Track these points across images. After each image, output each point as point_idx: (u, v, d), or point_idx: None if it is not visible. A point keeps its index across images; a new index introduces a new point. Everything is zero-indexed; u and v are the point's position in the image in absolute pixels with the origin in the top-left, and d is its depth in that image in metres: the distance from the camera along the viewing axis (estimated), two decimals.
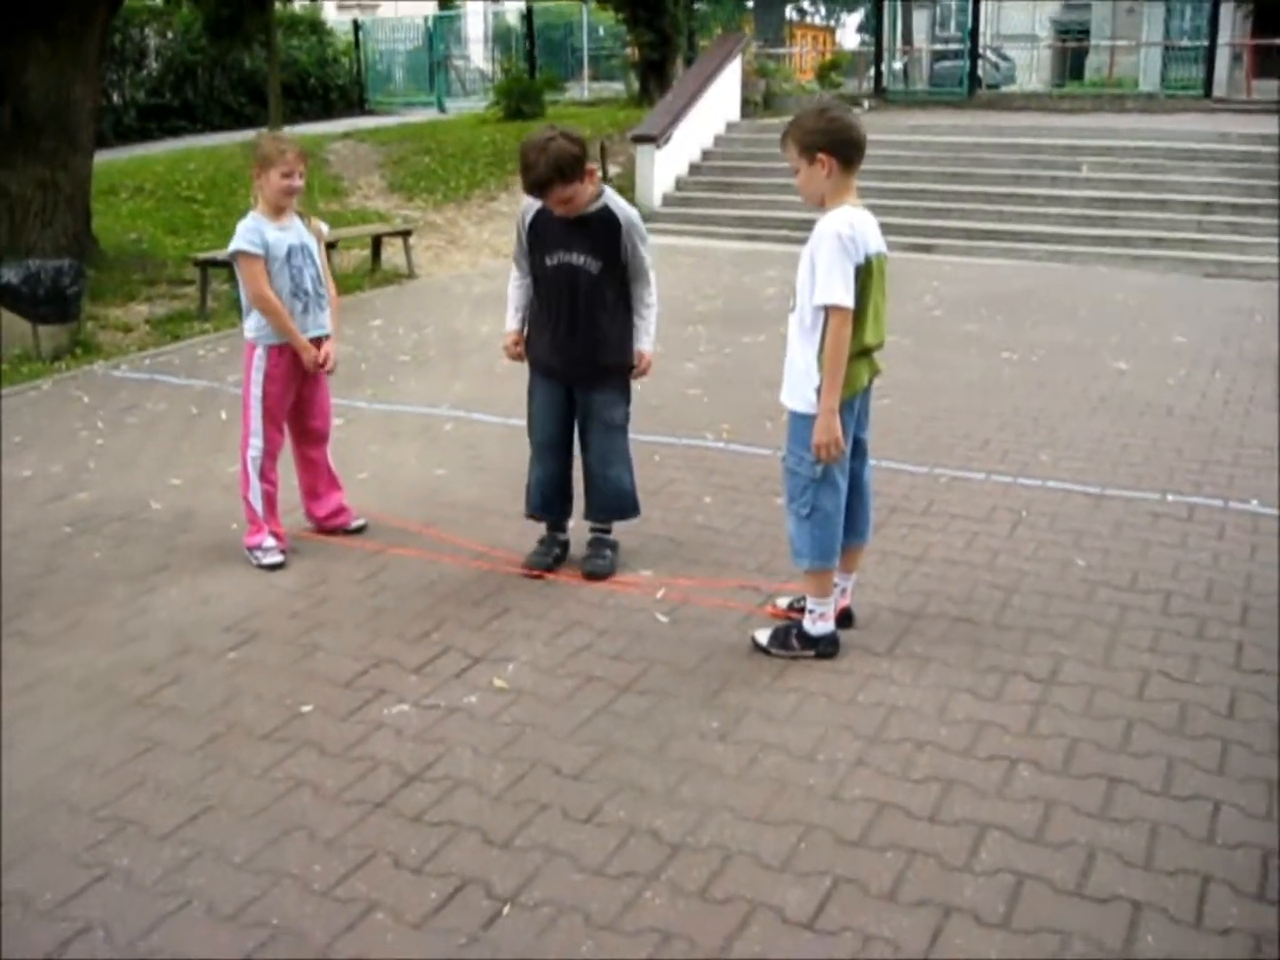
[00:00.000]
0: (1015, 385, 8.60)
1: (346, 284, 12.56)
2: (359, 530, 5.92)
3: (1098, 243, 14.53)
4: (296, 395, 5.67)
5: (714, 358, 9.58)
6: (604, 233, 5.12)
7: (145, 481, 6.76)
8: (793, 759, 3.98)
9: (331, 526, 5.90)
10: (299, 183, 5.44)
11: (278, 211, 5.48)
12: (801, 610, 4.71)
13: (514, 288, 5.43)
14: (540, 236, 5.22)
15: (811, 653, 4.61)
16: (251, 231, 5.40)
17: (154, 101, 24.65)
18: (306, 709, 4.35)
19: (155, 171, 17.73)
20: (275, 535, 5.65)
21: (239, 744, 4.15)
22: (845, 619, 4.82)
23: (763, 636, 4.70)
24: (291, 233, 5.51)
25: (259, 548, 5.61)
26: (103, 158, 18.72)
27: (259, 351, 5.53)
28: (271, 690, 4.49)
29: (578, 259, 5.14)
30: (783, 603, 5.00)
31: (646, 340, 5.35)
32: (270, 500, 5.64)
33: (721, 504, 6.29)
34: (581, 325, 5.21)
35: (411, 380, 8.95)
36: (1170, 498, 6.31)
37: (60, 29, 11.72)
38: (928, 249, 14.84)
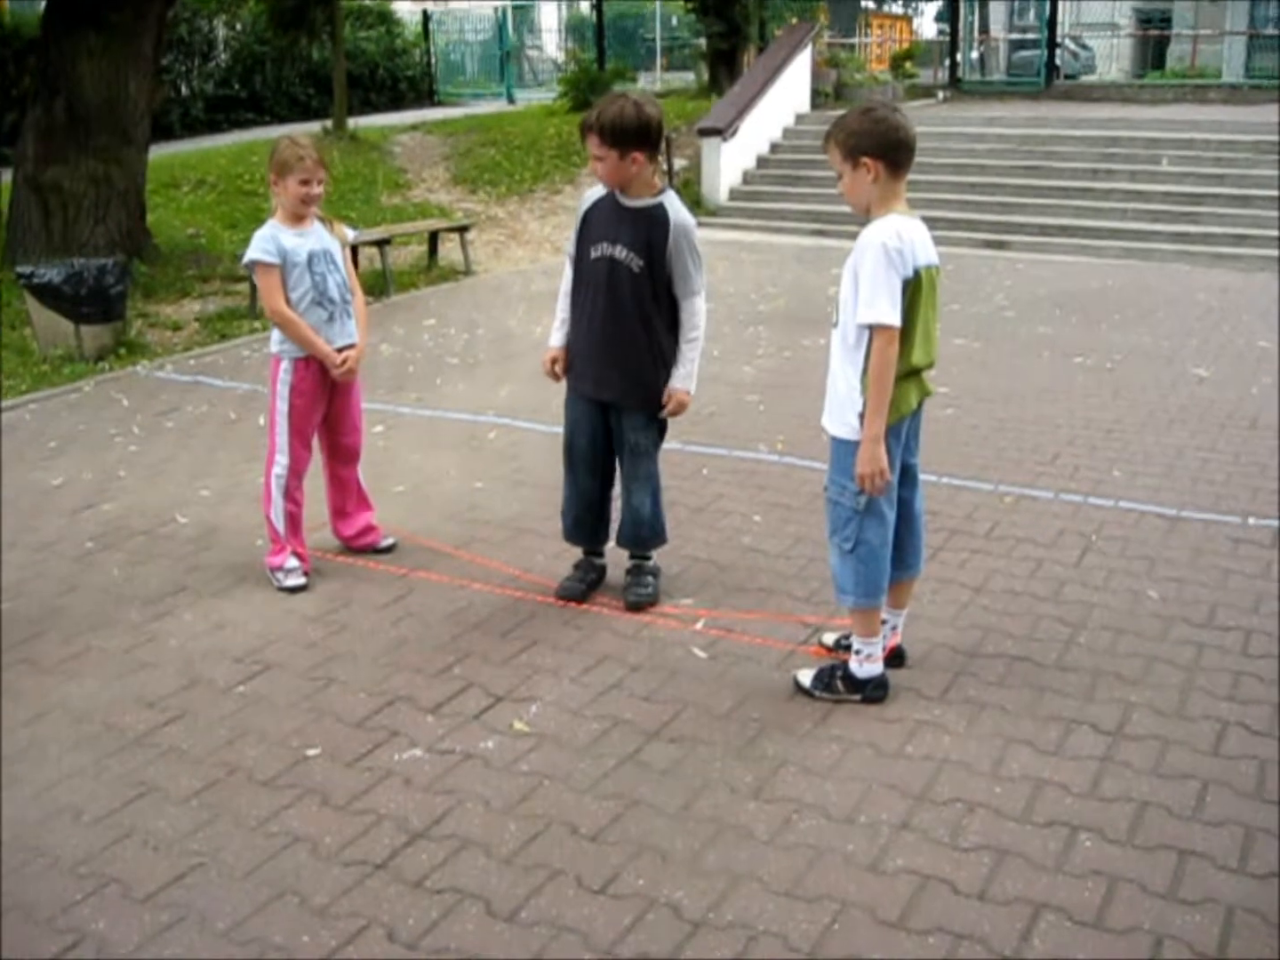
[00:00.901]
0: (1088, 393, 8.17)
1: (401, 281, 12.35)
2: (388, 550, 5.63)
3: (1177, 240, 13.97)
4: (326, 410, 5.38)
5: (773, 360, 9.23)
6: (652, 228, 4.74)
7: (174, 491, 6.53)
8: (831, 821, 3.64)
9: (360, 546, 5.63)
10: (318, 190, 5.14)
11: (297, 219, 5.18)
12: (849, 649, 4.37)
13: (563, 293, 5.07)
14: (590, 225, 4.89)
15: (858, 697, 4.27)
16: (267, 240, 5.12)
17: (222, 93, 24.56)
18: (313, 752, 4.07)
19: (218, 164, 17.59)
20: (298, 556, 5.38)
21: (238, 791, 3.87)
22: (896, 657, 4.47)
23: (805, 678, 4.36)
24: (312, 238, 5.21)
25: (281, 569, 5.34)
26: (168, 150, 18.73)
27: (284, 365, 5.25)
28: (278, 730, 4.21)
29: (620, 252, 4.77)
30: (829, 639, 4.65)
31: (680, 375, 4.87)
32: (294, 520, 5.37)
33: (771, 524, 5.94)
34: (615, 332, 4.82)
35: (459, 384, 8.67)
36: (1253, 521, 5.88)
37: (113, 22, 11.57)
38: (1001, 245, 14.38)
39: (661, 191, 4.82)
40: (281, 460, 5.30)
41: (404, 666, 4.62)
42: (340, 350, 5.29)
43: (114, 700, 4.43)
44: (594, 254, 4.83)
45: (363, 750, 4.07)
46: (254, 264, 5.14)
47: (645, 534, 5.12)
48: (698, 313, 4.85)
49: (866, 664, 4.26)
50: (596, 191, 4.90)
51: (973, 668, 4.51)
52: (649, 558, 5.19)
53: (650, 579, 5.15)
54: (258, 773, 3.96)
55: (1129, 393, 8.17)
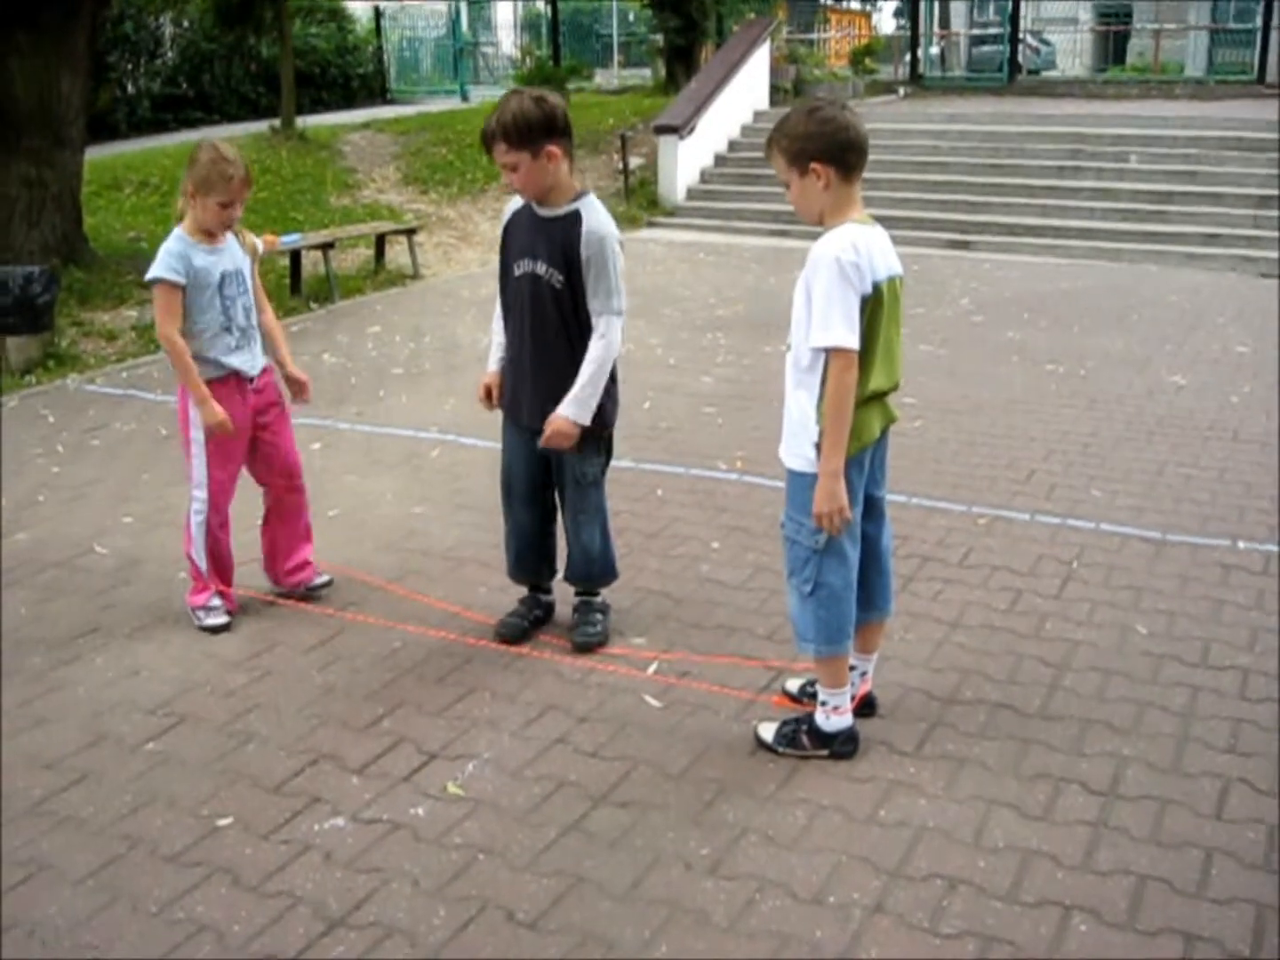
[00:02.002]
0: (1062, 404, 7.83)
1: (346, 286, 11.91)
2: (323, 587, 5.20)
3: (1147, 239, 13.68)
4: (254, 437, 4.94)
5: (732, 369, 8.85)
6: (566, 236, 4.29)
7: (95, 518, 6.11)
8: (797, 902, 3.26)
9: (291, 584, 5.18)
10: (238, 211, 4.68)
11: (209, 235, 4.72)
12: (814, 698, 3.99)
13: (497, 315, 4.66)
14: (510, 239, 4.47)
15: (825, 752, 3.89)
16: (175, 257, 4.63)
17: (169, 92, 23.98)
18: (224, 822, 3.66)
19: (162, 165, 17.06)
20: (222, 594, 4.97)
21: (139, 870, 3.47)
22: (866, 706, 4.10)
23: (767, 732, 3.98)
24: (225, 256, 4.75)
25: (203, 607, 4.93)
26: (112, 150, 18.22)
27: None
28: (189, 795, 3.80)
29: (540, 267, 4.33)
30: (793, 686, 4.27)
31: (567, 401, 4.32)
32: (216, 558, 4.95)
33: (730, 550, 5.56)
34: (544, 355, 4.40)
35: (403, 396, 8.26)
36: (1242, 545, 5.54)
37: (43, 21, 11.07)
38: (965, 245, 14.08)
39: (579, 196, 4.36)
40: (199, 495, 4.86)
41: (330, 719, 4.22)
42: (255, 379, 4.87)
43: (8, 762, 4.00)
44: (517, 271, 4.41)
45: (280, 819, 3.67)
46: (157, 281, 4.67)
47: (596, 571, 4.74)
48: (609, 334, 4.33)
49: (834, 716, 3.88)
50: (517, 201, 4.47)
51: (950, 717, 4.14)
52: (597, 594, 4.81)
53: (599, 617, 4.76)
54: (163, 846, 3.56)
55: (1104, 403, 7.84)
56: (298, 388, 5.08)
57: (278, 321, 5.17)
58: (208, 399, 4.69)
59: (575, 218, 4.30)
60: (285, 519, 5.15)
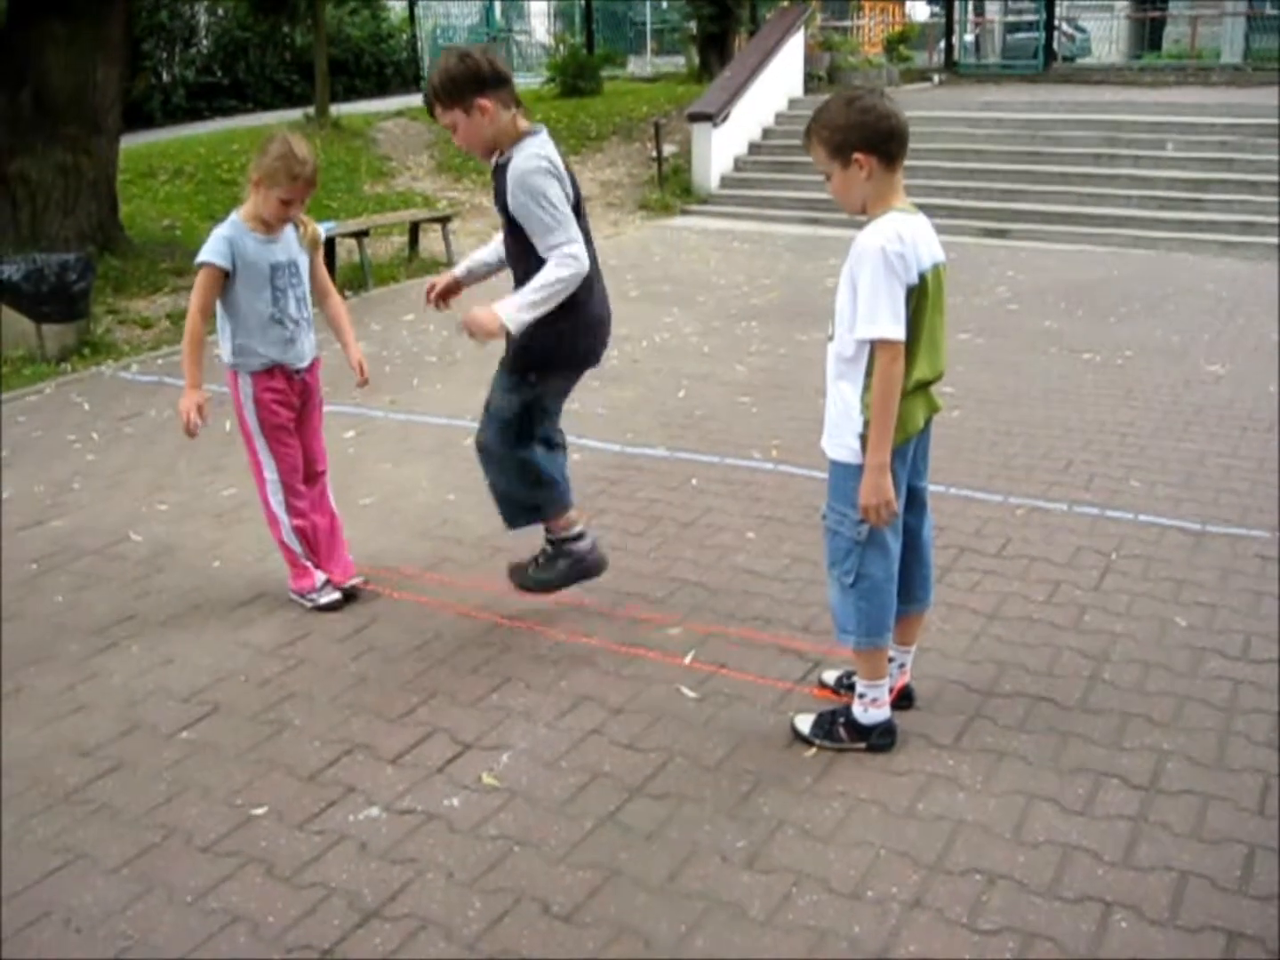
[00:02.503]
0: (1099, 393, 7.75)
1: (381, 274, 11.92)
2: (354, 589, 5.13)
3: (1184, 227, 13.55)
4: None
5: (767, 359, 8.80)
6: (500, 185, 4.24)
7: (130, 505, 6.12)
8: (835, 896, 3.23)
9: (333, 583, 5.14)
10: (298, 211, 4.65)
11: (266, 226, 4.68)
12: (851, 689, 3.96)
13: (490, 246, 4.69)
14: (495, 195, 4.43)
15: (862, 745, 3.86)
16: (224, 242, 4.59)
17: (204, 80, 24.12)
18: (259, 811, 3.66)
19: (197, 153, 17.11)
20: (324, 569, 4.96)
21: (174, 859, 3.46)
22: (904, 698, 4.06)
23: (804, 723, 3.95)
24: (278, 248, 4.70)
25: (313, 589, 4.93)
26: (147, 138, 18.28)
27: (242, 380, 4.78)
28: (223, 784, 3.80)
29: (500, 217, 4.34)
30: (830, 677, 4.23)
31: (503, 301, 4.16)
32: (305, 535, 4.94)
33: (766, 541, 5.53)
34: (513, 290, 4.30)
35: (437, 384, 8.25)
36: None
37: (78, 9, 11.13)
38: (1001, 234, 13.96)
39: (520, 139, 4.24)
40: (270, 477, 4.85)
41: (364, 709, 4.21)
42: (296, 370, 4.86)
43: (45, 749, 4.02)
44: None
45: (314, 809, 3.66)
46: (204, 265, 4.63)
47: (503, 511, 4.70)
48: (558, 268, 4.12)
49: (872, 709, 3.85)
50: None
51: (989, 709, 4.10)
52: (547, 539, 4.73)
53: (540, 561, 4.74)
54: (197, 836, 3.56)
55: (1142, 392, 7.76)
56: (360, 374, 5.03)
57: (344, 307, 5.14)
58: (196, 388, 4.67)
59: (507, 165, 4.22)
60: (313, 508, 5.12)
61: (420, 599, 5.01)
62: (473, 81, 4.15)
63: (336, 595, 4.93)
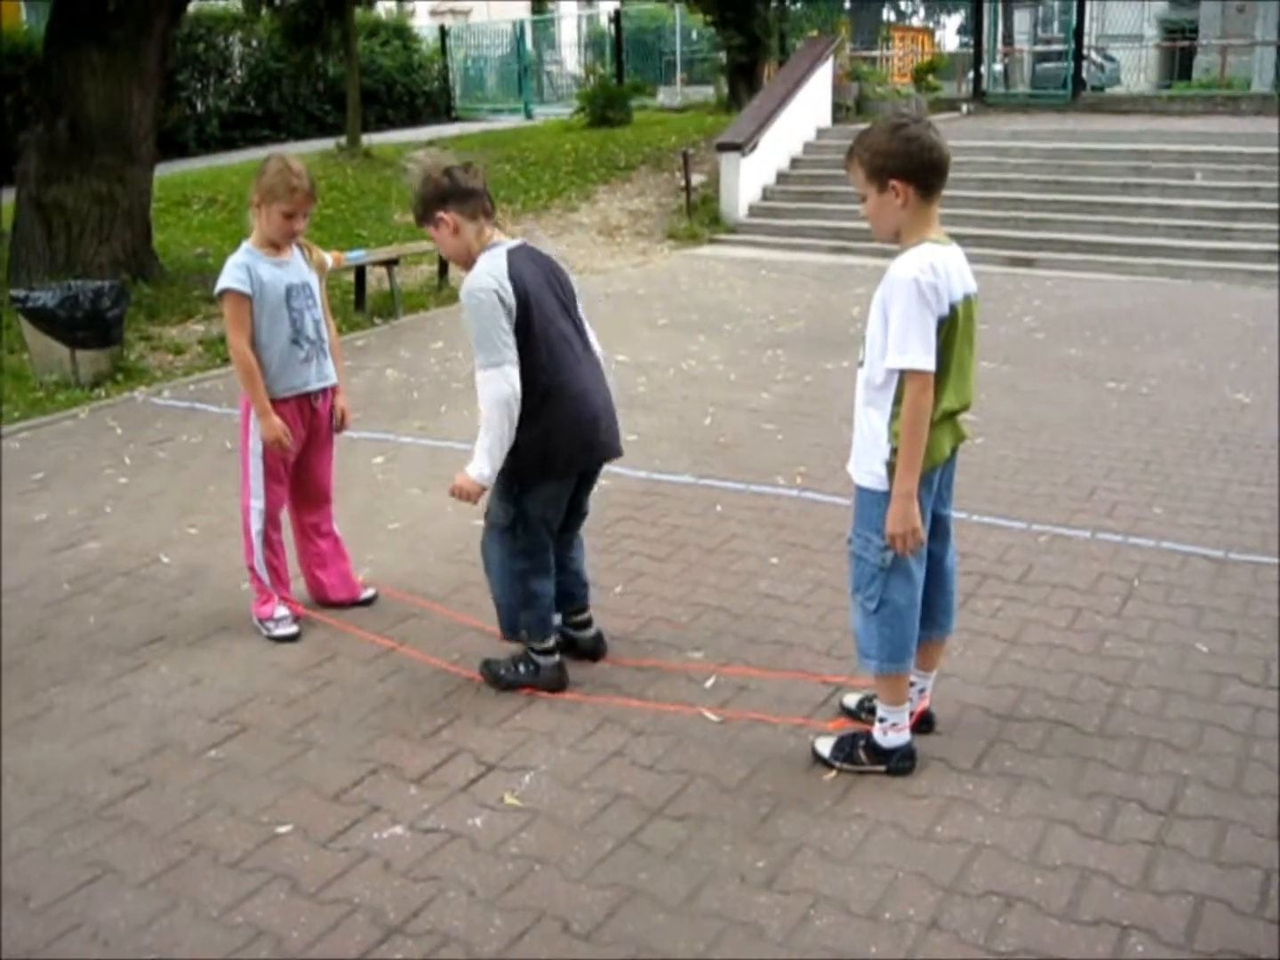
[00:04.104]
0: (1124, 421, 7.77)
1: (410, 302, 12.02)
2: (368, 603, 5.26)
3: (1211, 257, 13.56)
4: (299, 454, 5.02)
5: (792, 386, 8.85)
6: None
7: (161, 528, 6.20)
8: (852, 918, 3.26)
9: (337, 600, 5.24)
10: (302, 224, 4.77)
11: (275, 247, 4.82)
12: (871, 714, 3.99)
13: None
14: None
15: (882, 768, 3.89)
16: (241, 268, 4.73)
17: (237, 110, 24.36)
18: (284, 829, 3.71)
19: (230, 182, 17.34)
20: (286, 603, 5.03)
21: (200, 874, 3.52)
22: (924, 722, 4.09)
23: (825, 746, 3.98)
24: (291, 269, 4.85)
25: (270, 618, 5.00)
26: (181, 167, 18.51)
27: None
28: (250, 802, 3.86)
29: None
30: (851, 701, 4.27)
31: (470, 464, 4.25)
32: (275, 570, 5.03)
33: (789, 566, 5.56)
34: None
35: (464, 410, 8.30)
36: None
37: (115, 39, 11.30)
38: (1028, 263, 14.00)
39: (483, 250, 4.26)
40: (257, 505, 4.95)
41: (389, 729, 4.26)
42: (317, 391, 4.96)
43: (76, 765, 4.09)
44: None
45: (339, 827, 3.71)
46: (225, 293, 4.76)
47: (500, 619, 4.62)
48: (484, 389, 4.17)
49: (892, 732, 3.88)
50: None
51: (1008, 734, 4.13)
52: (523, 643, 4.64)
53: (507, 661, 4.63)
54: (224, 853, 3.61)
55: (1166, 420, 7.78)
56: (340, 415, 5.14)
57: (339, 341, 5.23)
58: (269, 412, 4.78)
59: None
60: (318, 537, 5.23)
61: (445, 623, 5.06)
62: (435, 198, 4.23)
63: (294, 629, 4.98)
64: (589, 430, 4.40)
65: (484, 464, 4.21)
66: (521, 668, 4.57)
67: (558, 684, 4.55)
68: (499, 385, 4.13)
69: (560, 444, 4.33)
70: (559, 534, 4.56)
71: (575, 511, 4.63)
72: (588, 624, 4.78)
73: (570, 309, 4.41)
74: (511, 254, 4.24)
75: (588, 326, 4.51)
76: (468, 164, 4.33)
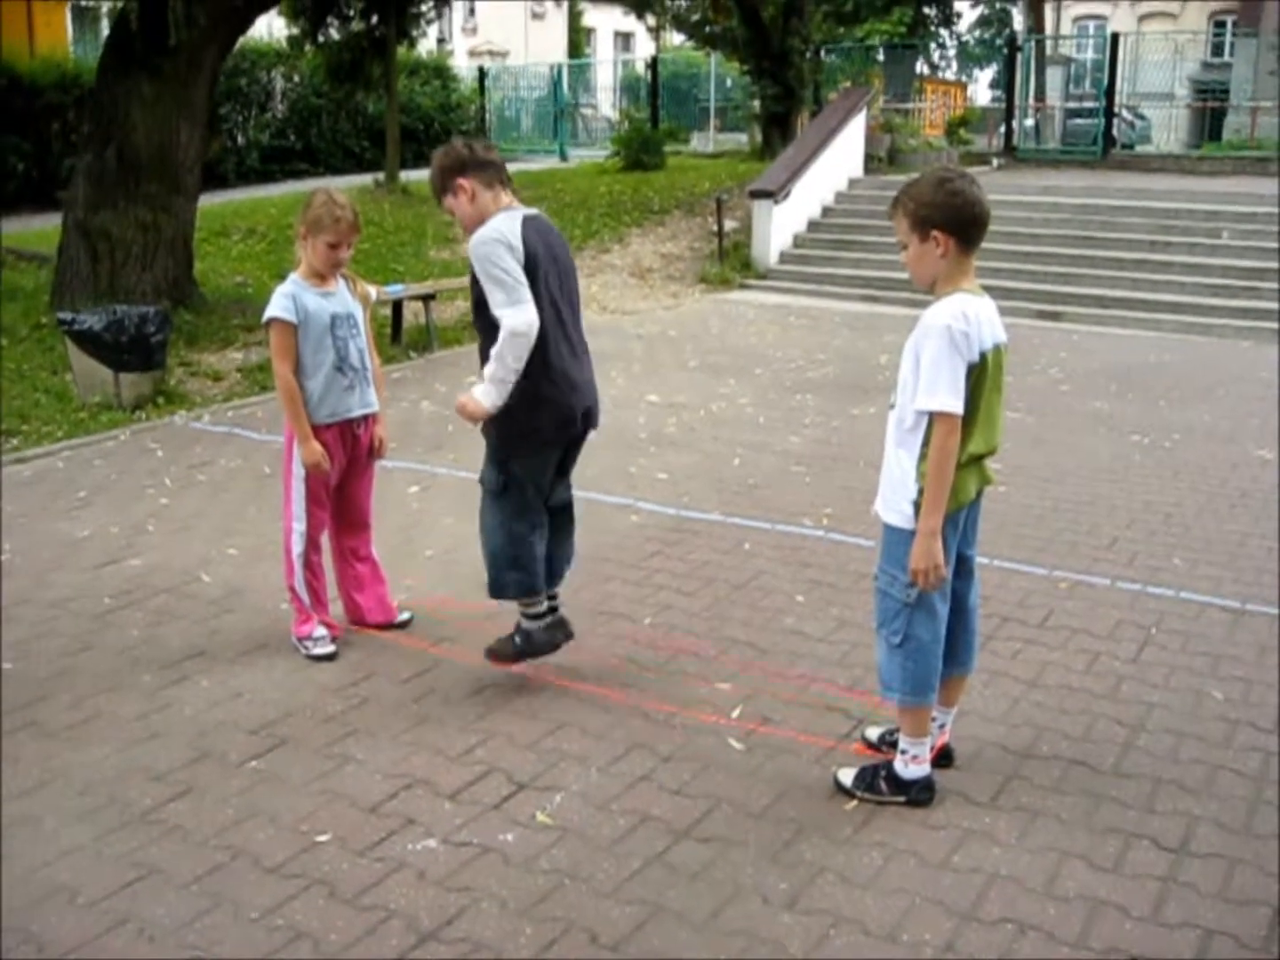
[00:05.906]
0: (1146, 474, 7.89)
1: (446, 337, 12.21)
2: (404, 625, 5.41)
3: (1238, 315, 13.69)
4: (340, 479, 5.19)
5: (821, 430, 8.99)
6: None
7: (201, 548, 6.36)
8: (870, 939, 3.38)
9: (374, 623, 5.39)
10: (347, 254, 4.96)
11: (320, 277, 5.01)
12: (893, 747, 4.12)
13: None
14: None
15: (902, 799, 4.01)
16: (288, 297, 4.93)
17: (277, 144, 24.72)
18: (323, 838, 3.85)
19: (269, 213, 17.61)
20: (325, 624, 5.18)
21: (242, 878, 3.65)
22: (944, 757, 4.21)
23: (847, 776, 4.11)
24: (335, 300, 5.03)
25: (309, 637, 5.15)
26: (221, 198, 18.78)
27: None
28: (289, 811, 3.99)
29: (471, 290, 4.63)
30: (873, 734, 4.39)
31: (479, 387, 4.46)
32: (314, 591, 5.18)
33: (815, 604, 5.70)
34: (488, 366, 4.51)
35: None
36: None
37: (166, 71, 11.54)
38: (1055, 316, 14.13)
39: (496, 214, 4.50)
40: (299, 528, 5.12)
41: (425, 746, 4.40)
42: (359, 419, 5.12)
43: (121, 771, 4.23)
44: None
45: (376, 838, 3.85)
46: (271, 321, 4.95)
47: (489, 580, 4.85)
48: (503, 336, 4.35)
49: (913, 765, 4.00)
50: None
51: (1025, 771, 4.24)
52: (524, 609, 4.86)
53: (511, 633, 4.88)
54: (264, 858, 3.75)
55: (1188, 474, 7.90)
56: (378, 443, 5.31)
57: (382, 370, 5.40)
58: (309, 438, 4.96)
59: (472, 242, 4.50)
60: (357, 561, 5.38)
61: (479, 646, 5.17)
62: (454, 166, 4.51)
63: (332, 648, 5.13)
64: (570, 409, 4.63)
65: (492, 392, 4.43)
66: (516, 639, 4.81)
67: (548, 646, 4.80)
68: (518, 317, 4.35)
69: (543, 421, 4.57)
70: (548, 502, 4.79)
71: (563, 478, 4.87)
72: (554, 608, 4.94)
73: (565, 285, 4.63)
74: (526, 220, 4.50)
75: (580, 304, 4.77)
76: (488, 144, 4.63)
